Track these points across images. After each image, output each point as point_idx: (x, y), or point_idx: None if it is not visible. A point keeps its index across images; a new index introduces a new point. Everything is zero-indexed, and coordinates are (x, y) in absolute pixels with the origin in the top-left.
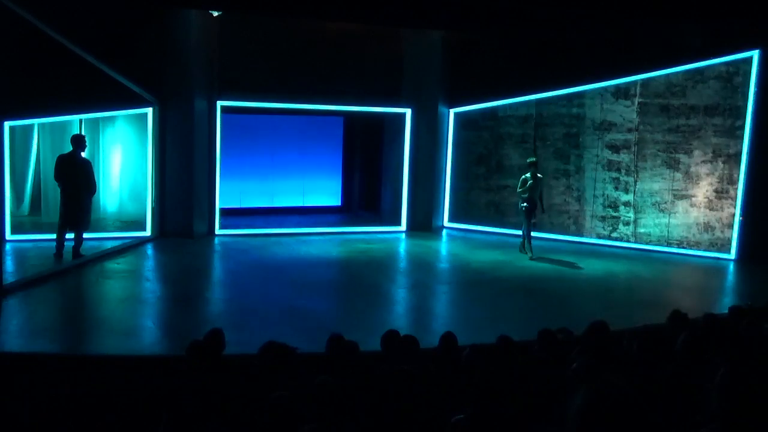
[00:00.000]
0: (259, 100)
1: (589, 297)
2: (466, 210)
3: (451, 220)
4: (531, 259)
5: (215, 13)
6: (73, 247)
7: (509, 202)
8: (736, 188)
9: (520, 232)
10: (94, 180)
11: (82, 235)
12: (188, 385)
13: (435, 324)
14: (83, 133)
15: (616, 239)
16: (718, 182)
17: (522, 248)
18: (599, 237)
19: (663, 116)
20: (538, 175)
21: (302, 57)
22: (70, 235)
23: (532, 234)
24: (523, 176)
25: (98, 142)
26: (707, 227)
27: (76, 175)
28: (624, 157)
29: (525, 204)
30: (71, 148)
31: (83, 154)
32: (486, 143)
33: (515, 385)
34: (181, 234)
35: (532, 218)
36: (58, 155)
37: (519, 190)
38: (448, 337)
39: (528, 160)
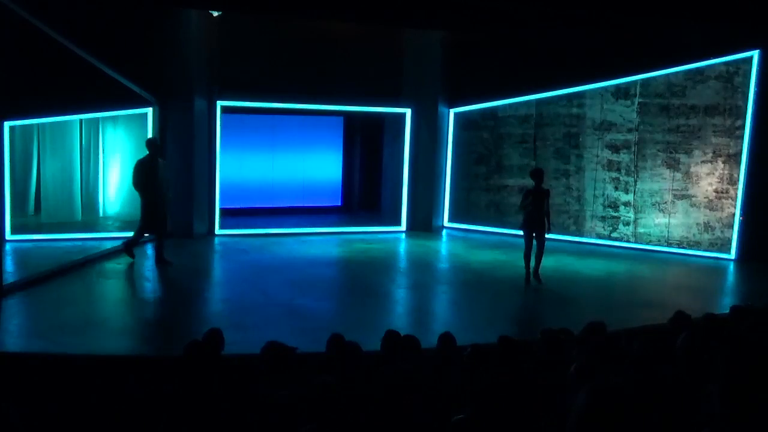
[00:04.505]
0: (259, 100)
1: (589, 297)
2: (466, 210)
3: (451, 220)
4: (532, 283)
5: (215, 13)
6: (157, 254)
7: (509, 202)
8: (736, 188)
9: (521, 233)
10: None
11: (162, 240)
12: (188, 385)
13: (435, 324)
14: (83, 133)
15: (616, 239)
16: (718, 182)
17: (528, 280)
18: (599, 237)
19: (663, 116)
20: (543, 187)
21: (302, 57)
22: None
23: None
24: (527, 189)
25: (98, 143)
26: (707, 227)
27: (157, 181)
28: (624, 157)
29: (522, 221)
30: (150, 153)
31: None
32: (486, 143)
33: (515, 385)
34: (181, 234)
35: (533, 239)
36: (137, 161)
37: (520, 204)
38: (446, 338)
39: (531, 170)
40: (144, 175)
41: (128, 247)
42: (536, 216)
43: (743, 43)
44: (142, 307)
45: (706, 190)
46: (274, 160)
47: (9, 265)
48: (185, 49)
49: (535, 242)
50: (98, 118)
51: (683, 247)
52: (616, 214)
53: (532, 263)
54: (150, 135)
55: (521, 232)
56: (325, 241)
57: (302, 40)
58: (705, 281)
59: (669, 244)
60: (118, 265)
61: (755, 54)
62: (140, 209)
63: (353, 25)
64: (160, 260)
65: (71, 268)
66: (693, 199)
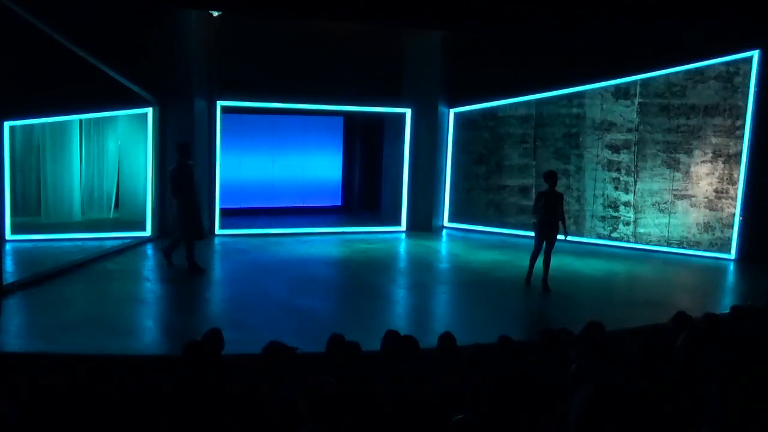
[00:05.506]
0: (259, 100)
1: (589, 297)
2: (466, 210)
3: (451, 220)
4: (526, 285)
5: (215, 13)
6: (188, 259)
7: (509, 202)
8: (736, 188)
9: (521, 233)
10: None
11: (179, 243)
12: (188, 385)
13: (435, 324)
14: (83, 133)
15: (616, 239)
16: (718, 182)
17: (528, 280)
18: (599, 237)
19: (663, 116)
20: (557, 191)
21: (302, 57)
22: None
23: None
24: (539, 192)
25: (98, 143)
26: (707, 227)
27: (193, 186)
28: (624, 157)
29: (534, 223)
30: (178, 158)
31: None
32: (486, 143)
33: (515, 385)
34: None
35: (544, 242)
36: (170, 169)
37: (533, 208)
38: (446, 337)
39: (544, 173)
40: (178, 182)
41: (167, 255)
42: (549, 220)
43: (743, 43)
44: (142, 307)
45: (706, 190)
46: (274, 160)
47: (9, 265)
48: (185, 49)
49: (544, 245)
50: (98, 118)
51: (683, 247)
52: (616, 214)
53: (539, 269)
54: (149, 135)
55: (522, 233)
56: (325, 241)
57: (302, 40)
58: (705, 281)
59: (669, 244)
60: (118, 265)
61: (755, 54)
62: (177, 216)
63: (353, 25)
64: (192, 266)
65: (71, 268)
66: (693, 199)
